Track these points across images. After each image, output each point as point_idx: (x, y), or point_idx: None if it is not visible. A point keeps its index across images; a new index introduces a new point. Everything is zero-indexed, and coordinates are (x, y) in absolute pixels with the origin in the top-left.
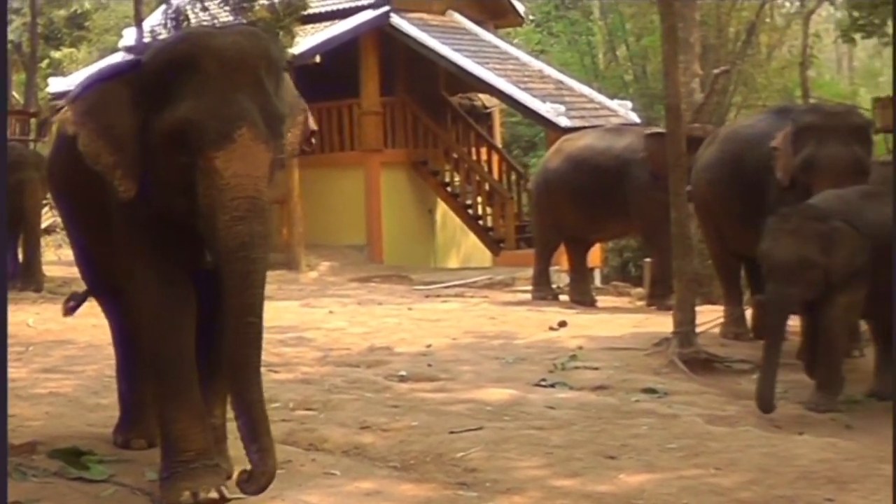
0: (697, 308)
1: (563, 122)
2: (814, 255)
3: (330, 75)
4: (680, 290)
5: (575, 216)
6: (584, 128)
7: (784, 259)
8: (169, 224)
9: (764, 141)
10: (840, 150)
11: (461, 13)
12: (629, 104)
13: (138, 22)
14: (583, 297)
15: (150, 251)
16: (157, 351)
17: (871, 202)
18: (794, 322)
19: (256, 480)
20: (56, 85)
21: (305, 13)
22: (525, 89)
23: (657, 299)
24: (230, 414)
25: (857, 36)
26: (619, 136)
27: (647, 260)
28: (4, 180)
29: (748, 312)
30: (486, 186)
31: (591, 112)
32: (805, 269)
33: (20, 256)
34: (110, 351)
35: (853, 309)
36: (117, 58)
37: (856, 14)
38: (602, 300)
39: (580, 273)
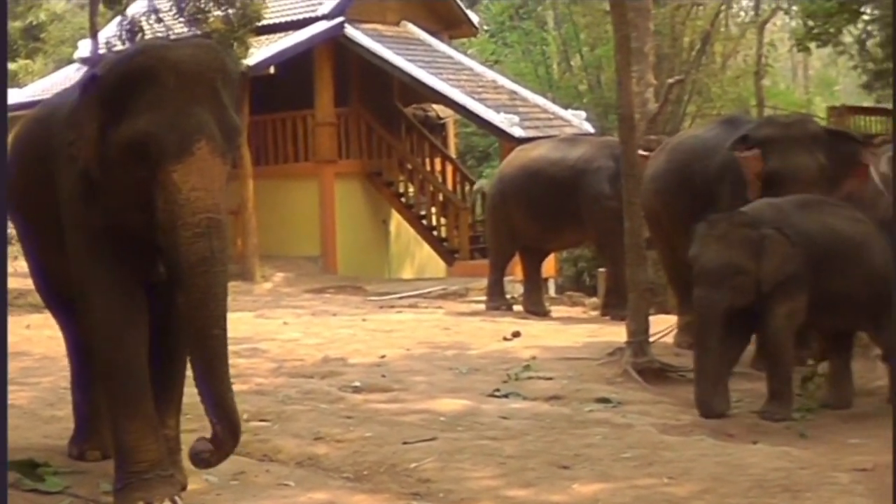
0: (651, 317)
1: (517, 132)
2: (741, 261)
3: (284, 86)
4: (633, 299)
5: (529, 226)
6: (538, 138)
7: (711, 264)
8: (122, 235)
9: (712, 151)
10: (806, 160)
11: (415, 24)
12: (583, 114)
13: (93, 34)
14: (536, 308)
15: (103, 262)
16: (110, 362)
17: (807, 211)
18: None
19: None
20: (11, 97)
21: (260, 24)
22: (479, 100)
23: (611, 309)
24: (184, 425)
25: (813, 45)
26: (573, 146)
27: (602, 270)
28: (4, 180)
29: None
30: (441, 197)
31: (544, 122)
32: (732, 275)
33: None
34: (66, 363)
35: (794, 318)
36: (73, 69)
37: (811, 23)
38: (556, 310)
39: (534, 283)
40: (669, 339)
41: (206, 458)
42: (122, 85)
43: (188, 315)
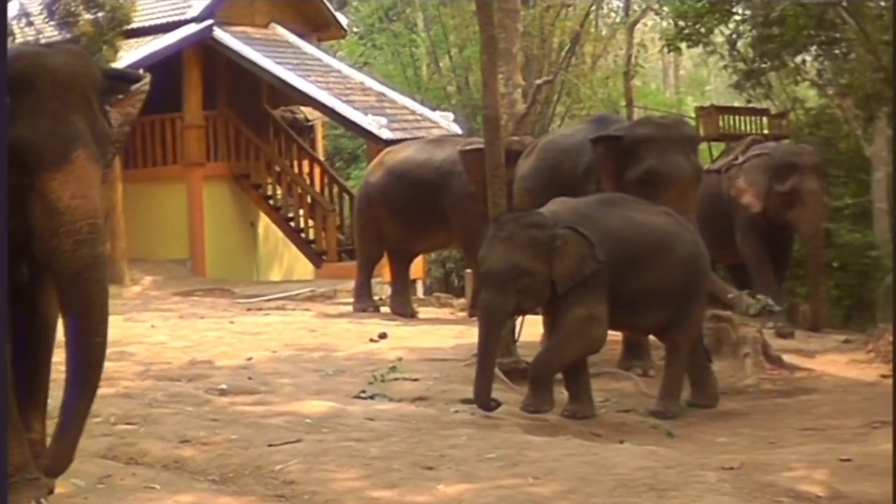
0: (518, 318)
1: (385, 134)
2: (527, 263)
3: (153, 89)
4: None
5: (396, 228)
6: (406, 140)
7: (495, 266)
8: None
9: (581, 150)
10: (682, 161)
11: (284, 26)
12: (451, 115)
13: None
14: (404, 309)
15: None
16: None
17: (611, 208)
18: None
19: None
20: None
21: (129, 28)
22: (347, 102)
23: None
24: (50, 429)
25: (683, 45)
26: (439, 148)
27: (469, 271)
28: (5, 181)
29: None
30: (308, 199)
31: (412, 124)
32: (516, 277)
33: None
34: None
35: (591, 324)
36: None
37: (681, 23)
38: (424, 311)
39: (401, 285)
40: (536, 338)
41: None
42: None
43: (70, 322)
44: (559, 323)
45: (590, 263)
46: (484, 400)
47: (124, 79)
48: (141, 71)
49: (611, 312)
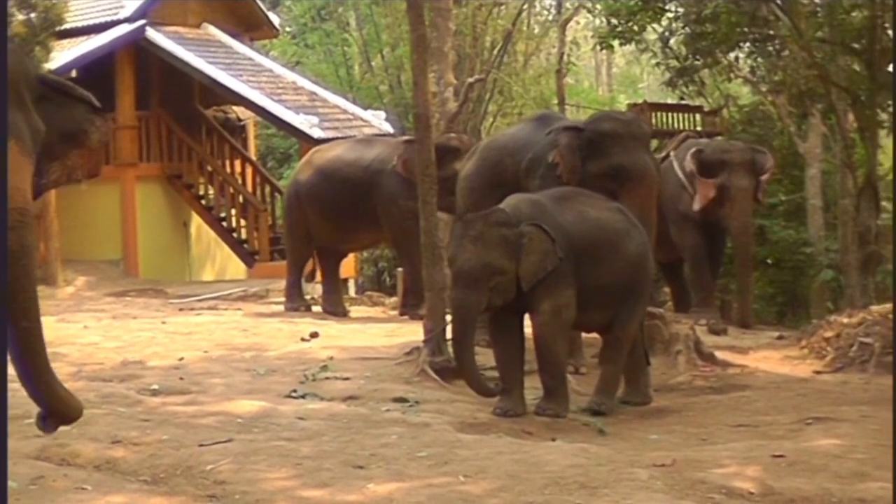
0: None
1: (317, 133)
2: (499, 262)
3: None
4: (430, 298)
5: (325, 227)
6: (338, 139)
7: (468, 266)
8: None
9: (523, 148)
10: (647, 158)
11: (217, 26)
12: (383, 114)
13: None
14: (335, 308)
15: None
16: None
17: (565, 203)
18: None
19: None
20: None
21: (62, 28)
22: (278, 101)
23: (409, 308)
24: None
25: (616, 43)
26: (368, 147)
27: (400, 269)
28: (5, 181)
29: None
30: (240, 199)
31: (344, 123)
32: (489, 275)
33: None
34: None
35: (560, 314)
36: None
37: (614, 21)
38: (356, 310)
39: (333, 284)
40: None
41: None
42: None
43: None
44: (531, 321)
45: (552, 259)
46: (483, 389)
47: (61, 90)
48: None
49: None
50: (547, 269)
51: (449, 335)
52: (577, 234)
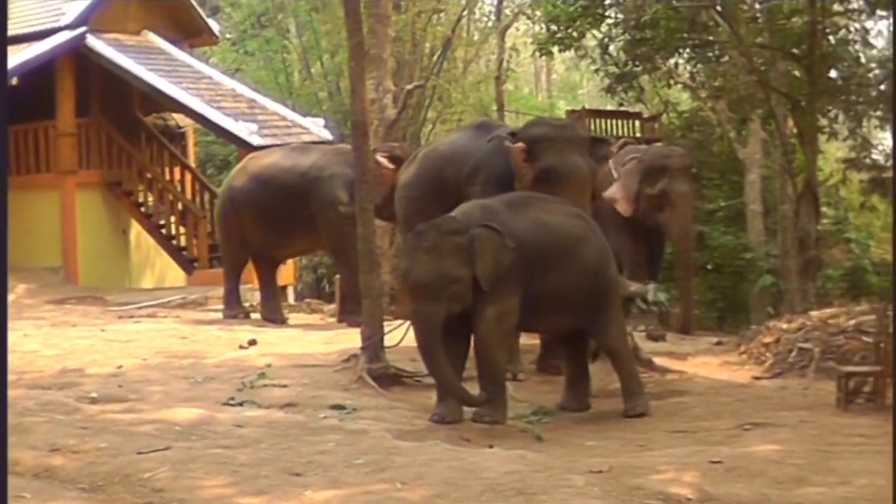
0: (390, 323)
1: (256, 140)
2: (455, 270)
3: (26, 97)
4: (367, 305)
5: (261, 234)
6: (277, 145)
7: (424, 277)
8: None
9: (465, 155)
10: (579, 160)
11: (157, 33)
12: (322, 121)
13: None
14: (274, 315)
15: None
16: None
17: (518, 209)
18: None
19: None
20: None
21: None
22: (218, 108)
23: (348, 315)
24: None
25: (555, 49)
26: (304, 154)
27: (339, 277)
28: (5, 181)
29: None
30: (180, 206)
31: (283, 130)
32: (447, 285)
33: None
34: None
35: (503, 320)
36: None
37: (553, 27)
38: (295, 317)
39: (270, 291)
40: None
41: None
42: None
43: None
44: (474, 325)
45: (506, 253)
46: (471, 400)
47: None
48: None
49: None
50: (503, 263)
51: (388, 342)
52: (529, 240)
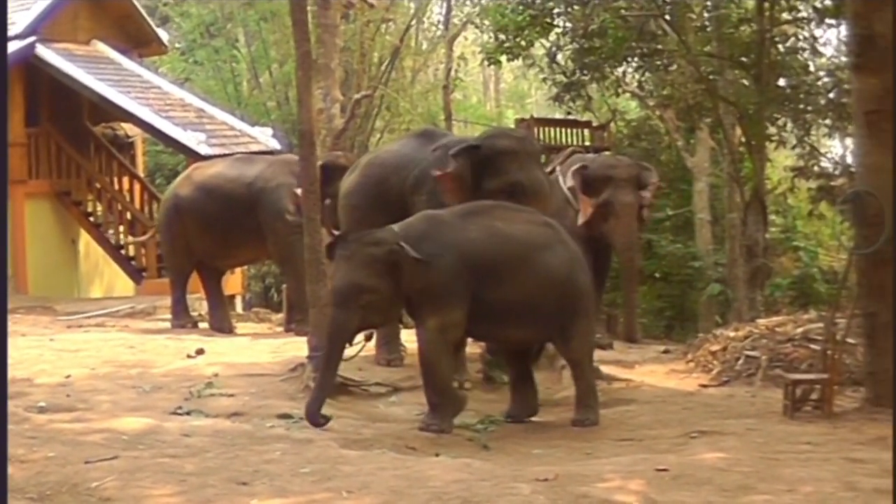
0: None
1: (204, 149)
2: (367, 280)
3: None
4: (314, 314)
5: (205, 242)
6: (225, 155)
7: (337, 285)
8: None
9: (409, 164)
10: (541, 175)
11: (106, 42)
12: (270, 131)
13: None
14: (222, 324)
15: None
16: None
17: (475, 218)
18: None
19: None
20: None
21: None
22: (166, 118)
23: (295, 324)
24: None
25: (503, 58)
26: (249, 164)
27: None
28: (5, 181)
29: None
30: (129, 216)
31: (231, 140)
32: (357, 294)
33: None
34: None
35: (447, 331)
36: None
37: (502, 37)
38: (243, 327)
39: (217, 300)
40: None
41: None
42: None
43: None
44: (417, 335)
45: (440, 274)
46: (314, 415)
47: None
48: None
49: (474, 324)
50: (433, 282)
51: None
52: (478, 250)
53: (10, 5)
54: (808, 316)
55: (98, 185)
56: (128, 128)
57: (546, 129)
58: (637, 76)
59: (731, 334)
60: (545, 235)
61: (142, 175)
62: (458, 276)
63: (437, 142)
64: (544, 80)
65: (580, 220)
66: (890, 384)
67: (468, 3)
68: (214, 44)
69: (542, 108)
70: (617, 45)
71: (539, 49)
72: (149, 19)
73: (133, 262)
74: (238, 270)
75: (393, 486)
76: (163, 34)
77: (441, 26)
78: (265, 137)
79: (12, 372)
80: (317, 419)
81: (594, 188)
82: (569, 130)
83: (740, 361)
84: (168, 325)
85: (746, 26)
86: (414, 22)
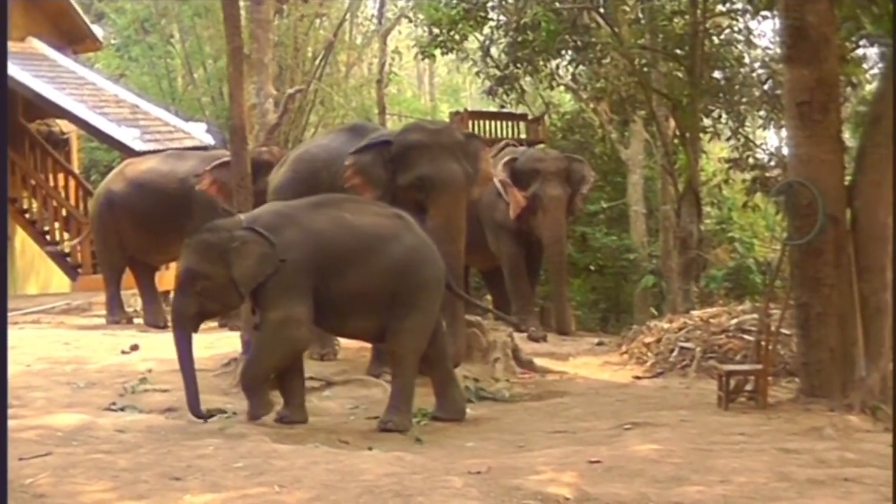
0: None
1: (139, 145)
2: (199, 267)
3: None
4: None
5: (138, 238)
6: (160, 151)
7: (178, 271)
8: None
9: (339, 158)
10: (454, 166)
11: (41, 39)
12: (203, 126)
13: None
14: (156, 320)
15: None
16: None
17: (321, 209)
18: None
19: None
20: None
21: None
22: (101, 114)
23: (229, 319)
24: None
25: (437, 52)
26: (181, 160)
27: None
28: (5, 181)
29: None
30: (63, 212)
31: (165, 135)
32: (192, 280)
33: None
34: None
35: (285, 326)
36: None
37: (435, 30)
38: None
39: (151, 296)
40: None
41: None
42: None
43: None
44: (260, 327)
45: (271, 262)
46: (194, 409)
47: None
48: None
49: (322, 316)
50: (266, 272)
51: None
52: (325, 241)
53: None
54: (742, 307)
55: (33, 182)
56: (63, 124)
57: (481, 122)
58: (570, 69)
59: (666, 326)
60: (391, 226)
61: (77, 172)
62: (302, 269)
63: (366, 136)
64: (478, 73)
65: (511, 213)
66: (823, 375)
67: None
68: (149, 40)
69: (477, 102)
70: (550, 38)
71: (473, 43)
72: (83, 16)
73: (68, 259)
74: (173, 266)
75: (325, 481)
76: (97, 30)
77: (375, 21)
78: (199, 133)
79: None
80: (199, 412)
81: (522, 182)
82: (504, 123)
83: (674, 353)
84: (103, 321)
85: (680, 18)
86: (348, 16)
